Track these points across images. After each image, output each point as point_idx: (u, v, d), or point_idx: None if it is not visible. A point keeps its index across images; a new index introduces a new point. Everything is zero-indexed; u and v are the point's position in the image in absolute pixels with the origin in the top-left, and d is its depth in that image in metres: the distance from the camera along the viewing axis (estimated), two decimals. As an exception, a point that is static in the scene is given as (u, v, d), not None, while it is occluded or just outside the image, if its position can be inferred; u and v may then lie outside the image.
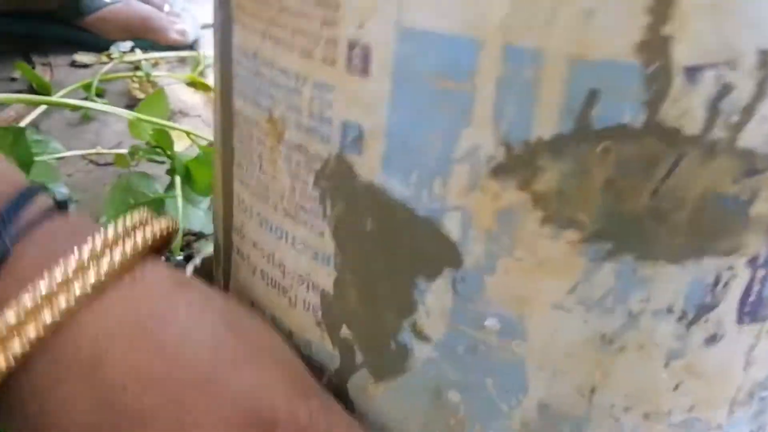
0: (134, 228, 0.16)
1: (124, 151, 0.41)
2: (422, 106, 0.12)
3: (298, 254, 0.15)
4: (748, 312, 0.13)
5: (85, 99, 0.51)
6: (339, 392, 0.15)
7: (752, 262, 0.13)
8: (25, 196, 0.16)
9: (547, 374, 0.14)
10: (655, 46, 0.10)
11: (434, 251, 0.13)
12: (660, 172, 0.11)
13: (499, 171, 0.12)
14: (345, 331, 0.15)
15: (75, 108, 0.47)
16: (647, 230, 0.12)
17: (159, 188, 0.36)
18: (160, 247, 0.17)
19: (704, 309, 0.13)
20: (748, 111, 0.11)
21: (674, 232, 0.12)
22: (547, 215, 0.12)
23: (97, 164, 0.48)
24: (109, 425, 0.13)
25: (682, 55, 0.10)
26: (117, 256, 0.15)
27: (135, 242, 0.15)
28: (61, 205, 0.16)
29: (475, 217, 0.12)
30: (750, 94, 0.11)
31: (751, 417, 0.16)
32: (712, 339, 0.14)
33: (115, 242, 0.15)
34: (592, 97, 0.11)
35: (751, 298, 0.13)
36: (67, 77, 0.63)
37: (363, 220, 0.14)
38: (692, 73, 0.11)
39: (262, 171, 0.15)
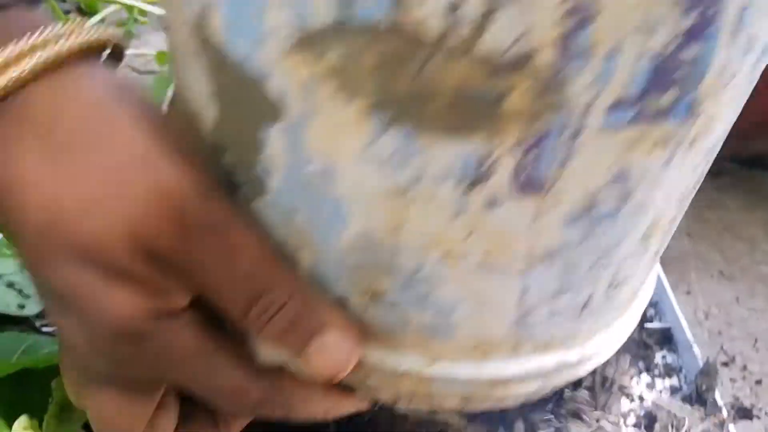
0: (72, 32, 0.17)
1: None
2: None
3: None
4: (522, 187, 0.16)
5: (128, 19, 0.59)
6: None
7: (514, 147, 0.15)
8: None
9: (360, 213, 0.17)
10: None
11: (265, 106, 0.16)
12: (413, 66, 0.13)
13: (297, 46, 0.14)
14: (226, 157, 0.19)
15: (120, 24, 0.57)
16: (416, 108, 0.14)
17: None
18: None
19: (478, 179, 0.15)
20: (481, 23, 0.12)
21: (438, 115, 0.14)
22: (340, 84, 0.15)
23: (139, 72, 0.55)
24: None
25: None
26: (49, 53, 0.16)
27: (71, 42, 0.17)
28: None
29: (288, 82, 0.15)
30: (480, 7, 0.12)
31: (558, 274, 0.18)
32: (492, 203, 0.16)
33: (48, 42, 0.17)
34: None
35: (521, 178, 0.15)
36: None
37: (215, 76, 0.17)
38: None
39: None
